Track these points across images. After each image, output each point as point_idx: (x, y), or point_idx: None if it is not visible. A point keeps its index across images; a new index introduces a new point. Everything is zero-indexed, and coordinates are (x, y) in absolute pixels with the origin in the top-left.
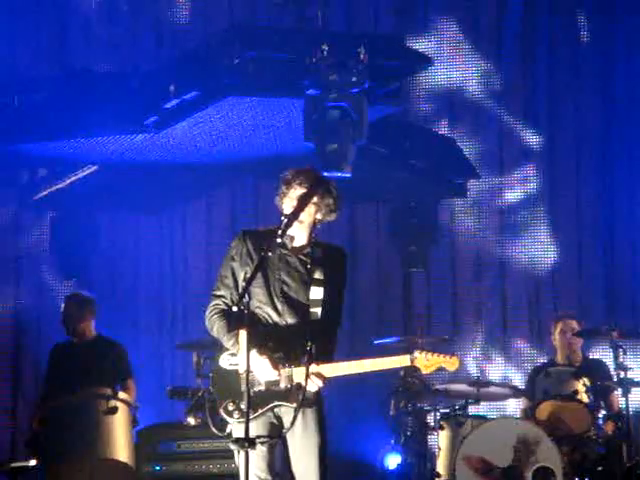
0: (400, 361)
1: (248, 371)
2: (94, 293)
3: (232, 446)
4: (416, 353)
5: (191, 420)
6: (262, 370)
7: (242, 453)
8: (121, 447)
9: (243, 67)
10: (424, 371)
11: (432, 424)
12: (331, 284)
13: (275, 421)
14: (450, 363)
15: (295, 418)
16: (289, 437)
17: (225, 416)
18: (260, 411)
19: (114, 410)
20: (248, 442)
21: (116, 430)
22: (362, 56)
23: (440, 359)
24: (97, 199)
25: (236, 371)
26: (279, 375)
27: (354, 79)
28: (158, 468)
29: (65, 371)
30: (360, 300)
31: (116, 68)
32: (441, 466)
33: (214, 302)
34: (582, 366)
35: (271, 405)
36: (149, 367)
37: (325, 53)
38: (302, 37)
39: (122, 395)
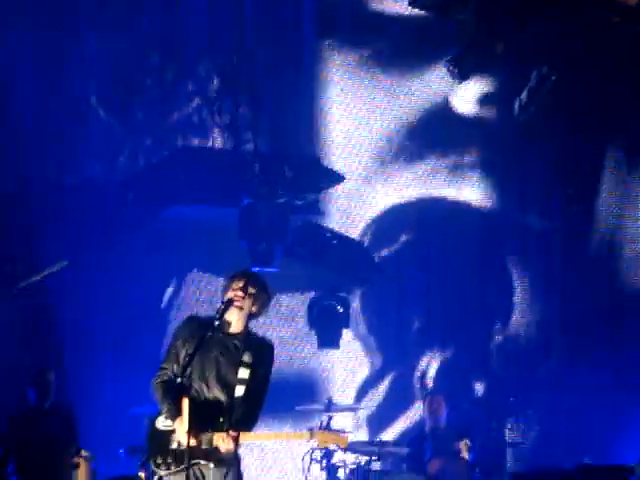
0: (301, 435)
1: (189, 433)
2: None
3: None
4: (315, 430)
5: (142, 474)
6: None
7: None
8: None
9: (188, 181)
10: (321, 445)
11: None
12: (258, 368)
13: (200, 478)
14: (342, 441)
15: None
16: None
17: (154, 468)
18: (182, 466)
19: (76, 466)
20: None
21: None
22: (287, 174)
23: (335, 437)
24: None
25: (168, 431)
26: (197, 443)
27: (280, 192)
28: None
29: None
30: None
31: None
32: None
33: (160, 372)
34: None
35: (192, 462)
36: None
37: (257, 171)
38: (238, 158)
39: (84, 452)
